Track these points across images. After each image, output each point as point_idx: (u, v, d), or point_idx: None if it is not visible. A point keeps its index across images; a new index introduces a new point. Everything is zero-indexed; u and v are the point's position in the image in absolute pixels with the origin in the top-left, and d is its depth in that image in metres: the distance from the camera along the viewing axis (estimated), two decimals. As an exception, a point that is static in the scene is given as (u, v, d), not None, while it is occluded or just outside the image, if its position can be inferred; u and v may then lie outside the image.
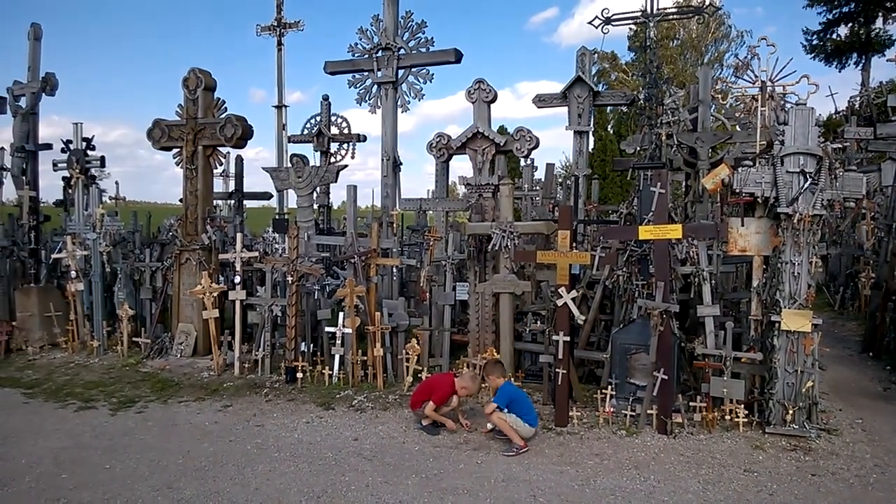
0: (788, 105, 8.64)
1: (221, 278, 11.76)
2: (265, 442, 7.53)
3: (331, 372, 9.66)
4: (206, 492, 6.28)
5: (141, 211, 18.16)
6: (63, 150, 14.59)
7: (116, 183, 23.60)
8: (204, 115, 11.71)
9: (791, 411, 7.41)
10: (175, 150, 12.02)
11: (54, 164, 14.91)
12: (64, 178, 15.24)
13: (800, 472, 6.56)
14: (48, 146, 15.33)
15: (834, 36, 43.63)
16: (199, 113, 11.72)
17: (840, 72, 44.26)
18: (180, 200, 12.15)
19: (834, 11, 42.75)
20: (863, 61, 42.40)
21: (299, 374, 9.60)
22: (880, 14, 41.62)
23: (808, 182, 7.28)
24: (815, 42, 43.92)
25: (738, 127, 12.61)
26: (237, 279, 10.57)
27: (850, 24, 42.90)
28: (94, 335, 11.72)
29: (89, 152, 14.49)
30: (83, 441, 7.63)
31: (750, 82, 9.32)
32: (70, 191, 15.09)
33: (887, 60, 31.16)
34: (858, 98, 24.94)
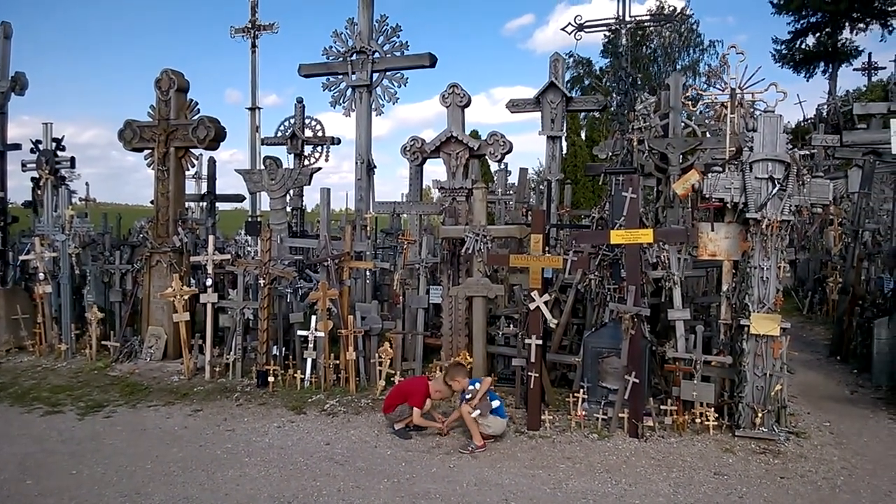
0: (757, 112, 8.74)
1: (193, 281, 11.65)
2: (235, 447, 7.46)
3: (303, 376, 9.61)
4: (174, 497, 6.20)
5: (112, 212, 17.93)
6: (32, 151, 14.38)
7: (87, 184, 23.35)
8: (176, 117, 11.61)
9: (760, 414, 7.50)
10: (147, 152, 11.90)
11: (23, 165, 14.68)
12: (33, 179, 15.00)
13: (769, 475, 6.64)
14: (17, 146, 15.05)
15: (802, 45, 44.46)
16: (171, 114, 11.61)
17: (808, 80, 45.19)
18: (151, 202, 12.01)
19: (802, 21, 43.57)
20: (830, 70, 43.23)
21: (271, 378, 9.52)
22: (847, 24, 42.47)
23: (777, 188, 7.39)
24: (783, 51, 44.72)
25: (708, 133, 12.76)
26: (209, 282, 10.47)
27: (817, 34, 43.73)
28: (62, 338, 11.54)
29: (59, 153, 14.29)
30: (49, 446, 7.50)
31: (720, 90, 9.43)
32: (39, 192, 14.85)
33: (854, 70, 31.79)
34: (826, 106, 25.38)
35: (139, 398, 9.28)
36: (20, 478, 6.63)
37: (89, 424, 8.25)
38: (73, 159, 14.22)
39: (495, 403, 7.50)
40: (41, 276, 11.67)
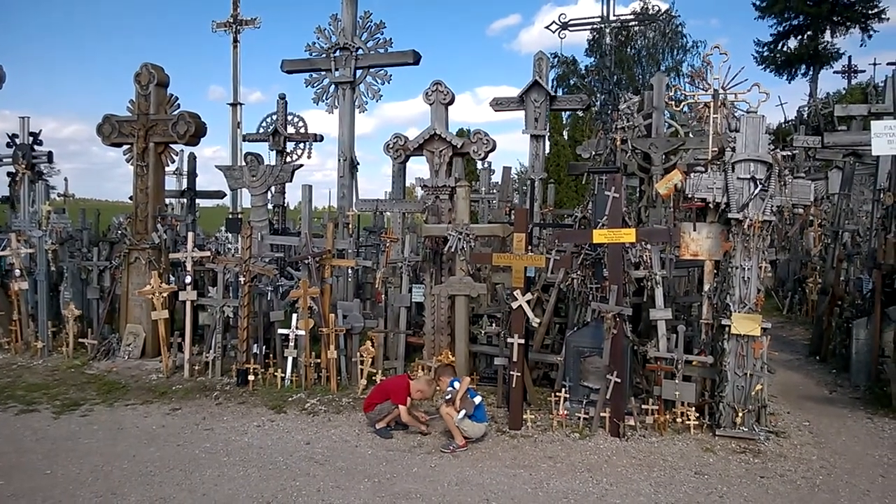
0: (740, 113, 8.77)
1: (172, 278, 11.52)
2: (214, 446, 7.37)
3: (283, 374, 9.53)
4: (151, 498, 6.11)
5: (90, 208, 17.69)
6: (8, 145, 14.19)
7: (66, 179, 22.96)
8: (156, 112, 11.47)
9: (741, 414, 7.52)
10: (126, 147, 11.74)
11: (-2, 159, 14.50)
12: (9, 174, 14.83)
13: (749, 475, 6.66)
14: (-8, 140, 14.88)
15: (784, 48, 44.87)
16: (150, 109, 11.47)
17: (790, 82, 45.64)
18: (130, 198, 11.87)
19: (784, 24, 43.99)
20: (811, 73, 43.67)
21: (251, 377, 9.44)
22: (828, 28, 42.92)
23: (759, 188, 7.41)
24: (766, 53, 45.13)
25: (690, 133, 12.81)
26: (188, 279, 10.35)
27: (799, 37, 44.18)
28: (39, 336, 11.38)
29: (36, 147, 14.12)
30: (24, 445, 7.38)
31: (703, 90, 9.46)
32: (15, 187, 14.69)
33: (834, 72, 32.13)
34: (807, 108, 25.63)
35: (116, 397, 9.16)
36: (-7, 478, 6.52)
37: (65, 423, 8.13)
38: (50, 154, 14.06)
39: (477, 400, 7.47)
40: (17, 272, 11.49)
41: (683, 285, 10.52)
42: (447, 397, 7.47)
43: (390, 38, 13.99)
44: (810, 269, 15.54)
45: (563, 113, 34.92)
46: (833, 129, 19.17)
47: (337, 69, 14.24)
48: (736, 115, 8.92)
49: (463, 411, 7.30)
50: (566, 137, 36.92)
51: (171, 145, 11.72)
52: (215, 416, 8.38)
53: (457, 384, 7.53)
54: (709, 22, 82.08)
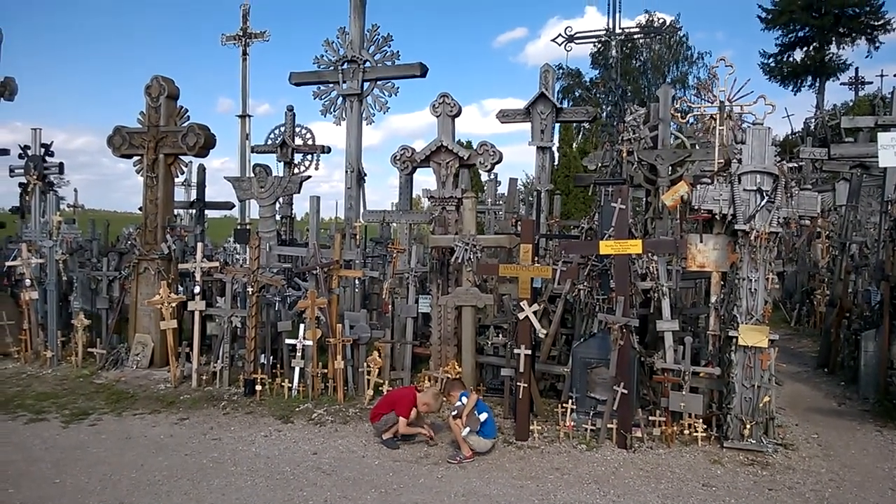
0: (746, 125, 8.79)
1: (180, 288, 11.57)
2: (222, 456, 7.39)
3: (290, 385, 9.55)
4: (159, 507, 6.15)
5: (100, 219, 17.81)
6: (21, 156, 14.31)
7: (75, 190, 23.25)
8: (166, 123, 11.55)
9: (748, 426, 7.50)
10: (136, 158, 11.82)
11: (11, 170, 14.65)
12: (21, 185, 14.95)
13: (757, 487, 6.64)
14: (5, 152, 15.01)
15: (790, 59, 44.91)
16: (161, 121, 11.55)
17: (795, 94, 45.68)
18: (140, 209, 11.95)
19: (790, 35, 44.04)
20: (817, 84, 43.69)
21: (258, 387, 9.46)
22: (834, 39, 42.96)
23: (765, 200, 7.42)
24: (771, 64, 45.17)
25: (696, 145, 12.84)
26: (197, 289, 10.41)
27: (805, 49, 44.21)
28: (48, 345, 11.42)
29: (48, 158, 14.24)
30: (33, 454, 7.42)
31: (709, 102, 9.49)
32: (27, 197, 14.82)
33: (840, 84, 32.15)
34: (813, 119, 25.63)
35: (125, 406, 9.19)
36: (1, 486, 6.54)
37: (74, 432, 8.17)
38: (61, 165, 14.17)
39: (483, 416, 7.42)
40: (28, 282, 11.55)
41: (690, 297, 10.53)
42: (454, 413, 7.46)
43: (398, 51, 14.07)
44: (818, 280, 15.48)
45: (573, 124, 34.97)
46: (840, 140, 19.18)
47: (344, 81, 14.32)
48: (742, 126, 8.94)
49: (468, 428, 7.29)
50: (576, 149, 36.89)
51: (181, 157, 11.80)
52: (223, 426, 8.41)
53: (465, 399, 7.53)
54: (714, 35, 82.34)
